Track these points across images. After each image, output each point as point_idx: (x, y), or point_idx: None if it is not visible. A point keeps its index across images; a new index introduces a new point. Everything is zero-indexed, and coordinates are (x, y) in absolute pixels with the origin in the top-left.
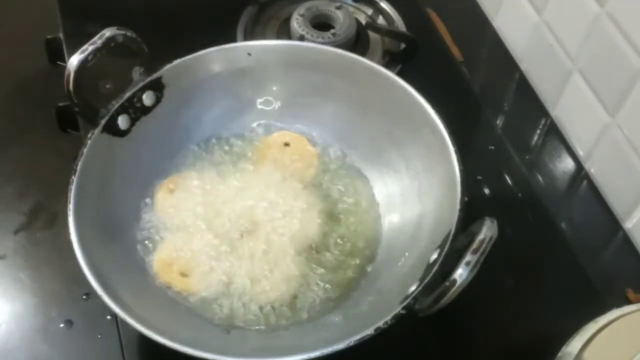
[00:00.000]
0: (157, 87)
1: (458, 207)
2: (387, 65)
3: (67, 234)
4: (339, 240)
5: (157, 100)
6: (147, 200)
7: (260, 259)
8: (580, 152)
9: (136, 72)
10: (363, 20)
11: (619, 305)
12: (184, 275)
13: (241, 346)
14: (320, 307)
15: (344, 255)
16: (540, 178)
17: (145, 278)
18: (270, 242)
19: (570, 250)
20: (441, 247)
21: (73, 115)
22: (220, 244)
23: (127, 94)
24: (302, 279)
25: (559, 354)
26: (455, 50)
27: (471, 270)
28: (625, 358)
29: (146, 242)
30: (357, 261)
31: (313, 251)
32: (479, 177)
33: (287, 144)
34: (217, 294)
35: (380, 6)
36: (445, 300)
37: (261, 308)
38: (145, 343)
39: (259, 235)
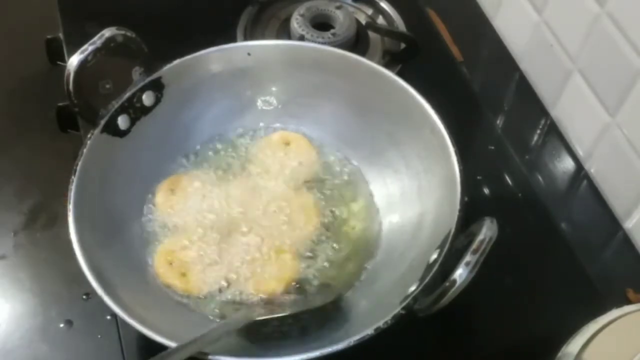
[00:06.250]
0: (157, 87)
1: (458, 207)
2: (387, 65)
3: (67, 234)
4: (338, 240)
5: (157, 101)
6: (147, 200)
7: (259, 258)
8: (580, 152)
9: (136, 72)
10: (363, 20)
11: (619, 305)
12: (184, 274)
13: (241, 346)
14: (319, 306)
15: (343, 255)
16: (540, 178)
17: (145, 278)
18: (270, 241)
19: (570, 250)
20: (441, 247)
21: (73, 115)
22: (220, 243)
23: (127, 94)
24: (302, 279)
25: (559, 354)
26: (455, 50)
27: (471, 271)
28: (625, 358)
29: (146, 242)
30: (357, 261)
31: (312, 251)
32: (479, 177)
33: (287, 144)
34: (217, 294)
35: (380, 6)
36: (445, 300)
37: (260, 308)
38: (145, 343)
39: (259, 235)
